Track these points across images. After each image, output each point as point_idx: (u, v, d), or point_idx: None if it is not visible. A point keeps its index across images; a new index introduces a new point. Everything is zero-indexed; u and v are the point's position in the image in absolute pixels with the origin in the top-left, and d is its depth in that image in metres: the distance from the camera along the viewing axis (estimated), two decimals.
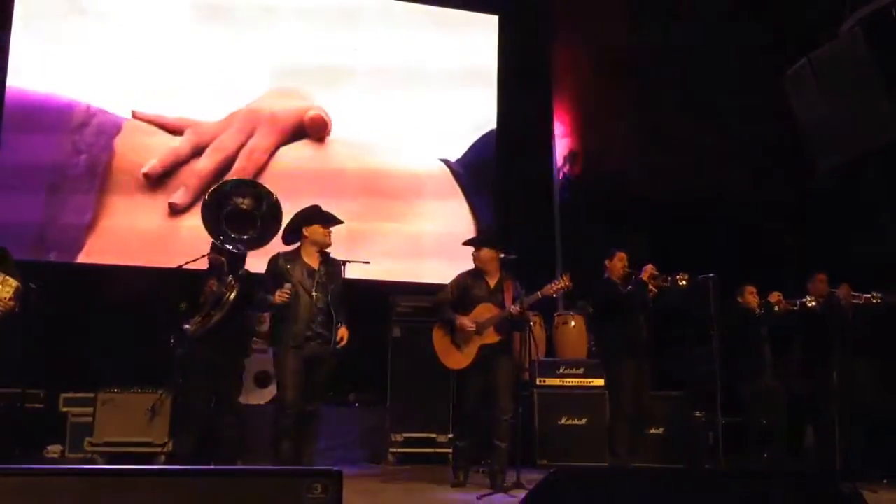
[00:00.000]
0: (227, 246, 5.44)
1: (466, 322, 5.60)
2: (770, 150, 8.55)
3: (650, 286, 6.02)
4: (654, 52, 8.97)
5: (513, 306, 5.52)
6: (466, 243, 5.93)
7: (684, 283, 5.99)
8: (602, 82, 9.17)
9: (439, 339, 5.75)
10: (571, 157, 9.31)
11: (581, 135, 9.31)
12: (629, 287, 6.11)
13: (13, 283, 5.08)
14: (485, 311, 5.62)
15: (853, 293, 6.60)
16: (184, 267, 5.99)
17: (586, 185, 9.12)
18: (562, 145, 9.33)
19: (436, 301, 5.87)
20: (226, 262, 5.56)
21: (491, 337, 5.58)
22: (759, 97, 8.39)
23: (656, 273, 6.04)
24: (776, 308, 6.60)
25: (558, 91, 9.46)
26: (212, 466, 5.26)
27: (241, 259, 5.66)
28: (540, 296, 5.59)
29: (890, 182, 7.37)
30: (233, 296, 5.48)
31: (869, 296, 6.42)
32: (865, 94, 7.32)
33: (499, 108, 8.99)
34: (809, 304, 6.57)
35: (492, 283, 5.73)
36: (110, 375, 6.60)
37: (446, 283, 5.91)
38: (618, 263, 6.25)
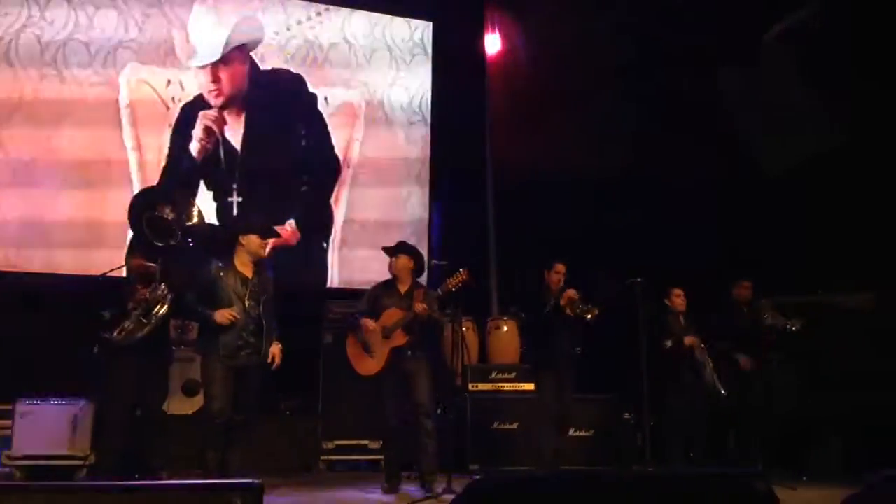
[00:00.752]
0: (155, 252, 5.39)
1: (369, 322, 5.63)
2: (720, 152, 8.75)
3: (567, 310, 6.13)
4: (595, 49, 9.09)
5: (418, 305, 5.53)
6: (385, 250, 5.96)
7: (590, 316, 6.11)
8: (535, 81, 9.25)
9: (351, 347, 5.79)
10: (504, 160, 9.35)
11: (515, 137, 9.37)
12: (547, 309, 6.22)
13: None
14: (392, 315, 5.66)
15: (772, 314, 6.77)
16: (108, 275, 5.86)
17: (521, 188, 9.18)
18: (494, 150, 9.37)
19: (352, 312, 5.94)
20: (157, 269, 5.47)
21: (399, 339, 5.60)
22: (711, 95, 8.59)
23: (575, 299, 6.14)
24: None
25: (492, 94, 9.51)
26: (132, 482, 5.15)
27: (168, 264, 5.56)
28: (440, 292, 5.63)
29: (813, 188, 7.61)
30: (165, 308, 5.42)
31: (787, 323, 6.56)
32: (794, 104, 7.61)
33: (433, 109, 9.01)
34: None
35: (402, 290, 5.77)
36: (28, 386, 6.39)
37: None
38: (554, 276, 6.33)
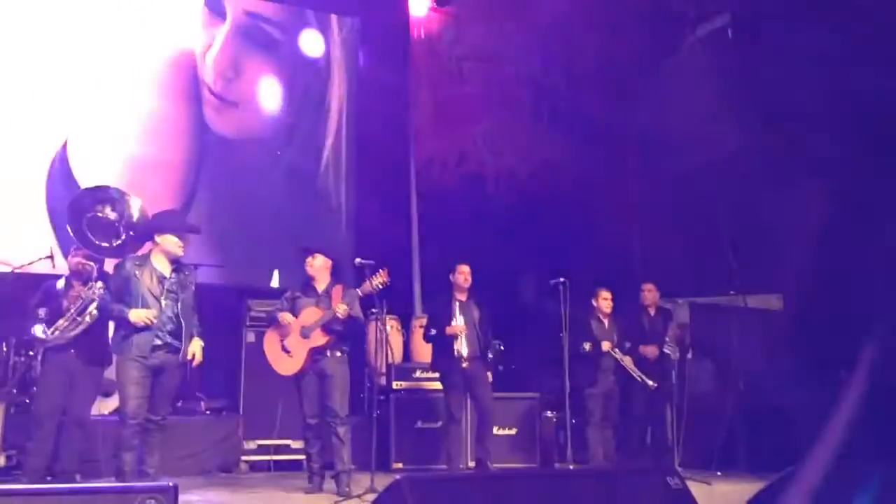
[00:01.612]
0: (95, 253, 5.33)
1: (286, 315, 5.59)
2: (625, 155, 8.98)
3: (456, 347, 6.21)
4: (511, 58, 9.23)
5: (338, 306, 5.50)
6: (301, 250, 5.92)
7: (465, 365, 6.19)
8: (459, 87, 9.34)
9: (270, 347, 5.72)
10: (428, 162, 9.40)
11: (438, 140, 9.43)
12: (433, 331, 6.28)
13: None
14: (311, 314, 5.61)
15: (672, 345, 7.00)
16: (16, 270, 5.68)
17: (445, 191, 9.24)
18: (418, 150, 9.40)
19: (269, 312, 5.87)
20: (94, 267, 5.44)
21: (318, 339, 5.55)
22: (613, 104, 8.83)
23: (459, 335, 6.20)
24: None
25: (414, 96, 9.54)
26: (43, 486, 5.01)
27: (103, 261, 5.54)
28: (360, 293, 5.61)
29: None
30: (97, 303, 5.31)
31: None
32: (705, 108, 7.87)
33: (356, 111, 8.99)
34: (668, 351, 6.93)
35: (320, 288, 5.73)
36: None
37: None
38: (459, 277, 6.36)
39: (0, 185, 7.27)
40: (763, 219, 7.23)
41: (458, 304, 6.32)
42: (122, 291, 5.08)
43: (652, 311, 7.15)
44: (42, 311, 5.54)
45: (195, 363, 5.20)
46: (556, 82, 9.33)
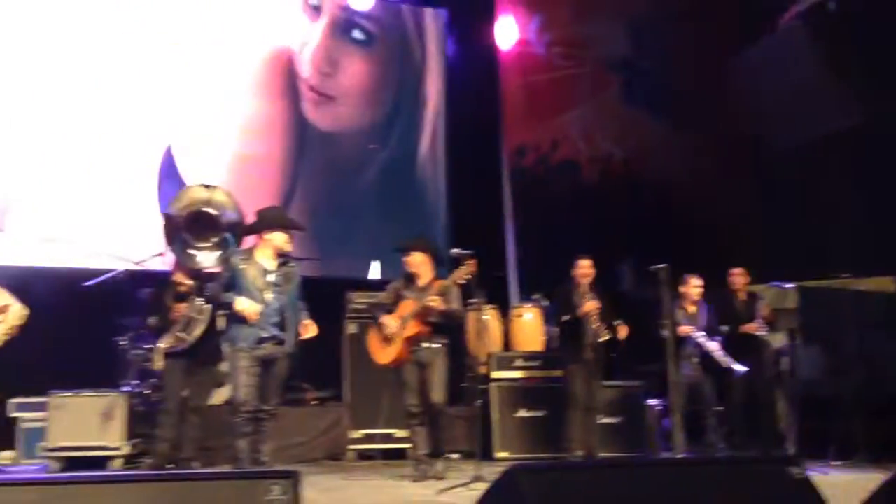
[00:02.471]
0: (186, 261, 5.63)
1: (386, 320, 5.69)
2: (718, 140, 8.74)
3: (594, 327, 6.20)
4: (601, 41, 9.10)
5: (431, 298, 5.58)
6: (397, 249, 6.00)
7: (602, 339, 6.19)
8: (550, 73, 9.25)
9: (371, 338, 5.88)
10: (519, 150, 9.36)
11: (529, 128, 9.37)
12: (567, 318, 6.31)
13: (26, 312, 5.38)
14: (408, 306, 5.71)
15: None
16: (129, 269, 5.94)
17: (537, 178, 9.19)
18: (510, 139, 9.37)
19: (373, 303, 6.06)
20: (194, 286, 5.69)
21: (412, 329, 5.64)
22: (706, 85, 8.60)
23: (593, 313, 6.20)
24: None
25: (505, 84, 9.50)
26: (173, 471, 5.25)
27: (205, 278, 5.75)
28: (449, 283, 5.66)
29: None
30: (203, 325, 5.63)
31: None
32: (810, 82, 7.59)
33: (447, 102, 9.01)
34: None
35: (421, 283, 5.81)
36: (58, 379, 6.48)
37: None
38: (579, 272, 6.38)
39: (118, 186, 7.61)
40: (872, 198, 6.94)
41: (581, 291, 6.35)
42: (229, 285, 5.25)
43: (742, 296, 7.00)
44: (153, 320, 5.87)
45: (305, 334, 5.29)
46: (650, 65, 9.13)
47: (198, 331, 5.64)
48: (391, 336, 5.69)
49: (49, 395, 6.23)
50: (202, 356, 5.79)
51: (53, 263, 7.28)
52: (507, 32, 9.45)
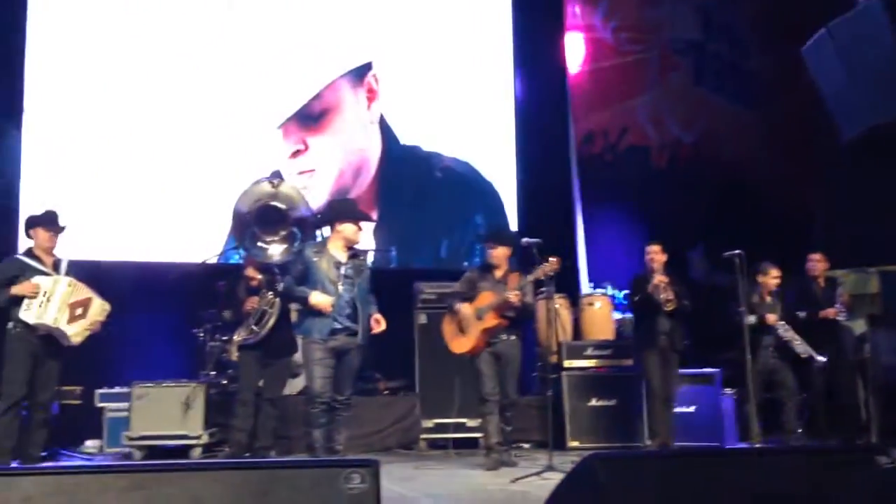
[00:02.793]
0: (257, 255, 5.72)
1: (464, 307, 5.76)
2: (791, 122, 8.50)
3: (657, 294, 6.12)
4: (669, 24, 8.94)
5: (511, 293, 5.62)
6: (482, 241, 6.08)
7: (669, 308, 6.11)
8: (617, 59, 9.12)
9: (446, 327, 5.96)
10: (588, 137, 9.26)
11: (598, 114, 9.26)
12: (638, 296, 6.27)
13: (108, 307, 5.49)
14: (487, 298, 5.78)
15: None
16: (206, 262, 6.08)
17: (606, 164, 9.09)
18: (578, 126, 9.27)
19: (449, 292, 6.14)
20: (264, 280, 5.82)
21: (490, 321, 5.70)
22: (778, 68, 8.37)
23: (660, 285, 6.11)
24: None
25: (572, 70, 9.40)
26: (249, 459, 5.38)
27: (274, 272, 5.88)
28: (532, 279, 5.69)
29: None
30: (274, 318, 5.77)
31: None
32: (887, 64, 7.28)
33: (514, 91, 8.98)
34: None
35: (498, 275, 5.89)
36: (141, 370, 6.70)
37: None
38: (648, 256, 6.33)
39: (195, 181, 7.83)
40: None
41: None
42: (301, 277, 5.33)
43: (821, 282, 6.86)
44: (227, 314, 6.06)
45: (376, 330, 5.37)
46: (719, 48, 8.92)
47: (270, 322, 5.76)
48: (466, 325, 5.73)
49: (132, 386, 6.44)
50: (275, 348, 5.91)
51: (134, 258, 7.51)
52: (574, 50, 9.35)
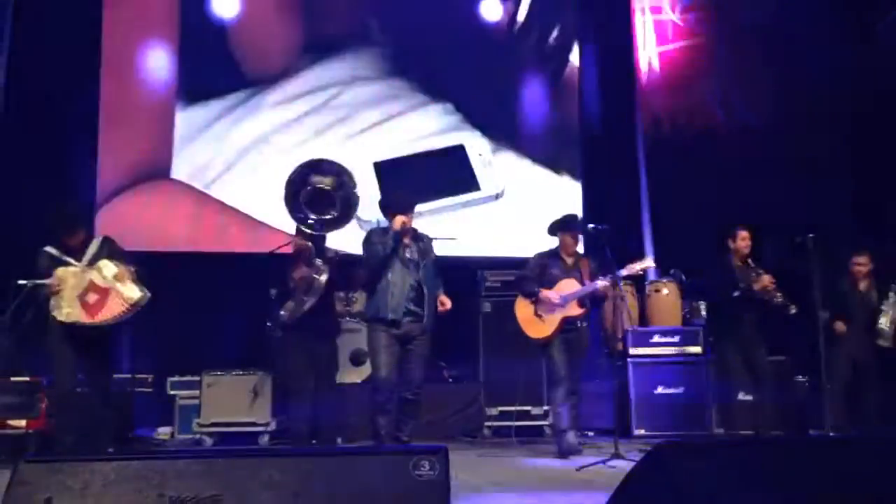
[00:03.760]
0: (307, 230, 5.56)
1: (552, 294, 5.71)
2: (862, 108, 8.20)
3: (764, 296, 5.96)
4: (739, 4, 8.71)
5: (601, 281, 5.60)
6: (551, 230, 6.00)
7: (792, 311, 5.92)
8: (685, 41, 8.93)
9: (522, 311, 5.89)
10: (655, 120, 9.10)
11: (664, 96, 9.09)
12: (736, 292, 6.01)
13: (134, 296, 5.11)
14: (568, 285, 5.76)
15: None
16: (276, 252, 6.14)
17: (674, 147, 8.92)
18: (645, 110, 9.12)
19: (519, 276, 6.06)
20: (313, 246, 5.68)
21: (574, 310, 5.72)
22: (849, 51, 8.07)
23: (771, 288, 5.94)
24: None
25: (637, 53, 9.25)
26: (317, 446, 5.43)
27: (323, 240, 5.79)
28: (625, 273, 5.65)
29: None
30: (323, 280, 5.61)
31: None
32: None
33: (579, 78, 8.88)
34: None
35: (569, 261, 5.88)
36: (212, 358, 6.85)
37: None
38: (741, 243, 6.14)
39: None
40: None
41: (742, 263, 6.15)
42: (369, 263, 5.35)
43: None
44: (273, 292, 5.95)
45: (443, 309, 5.38)
46: (792, 28, 8.63)
47: (322, 283, 5.60)
48: (546, 311, 5.71)
49: (203, 374, 6.58)
50: (318, 329, 5.74)
51: (207, 248, 7.67)
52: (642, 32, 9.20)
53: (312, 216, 5.59)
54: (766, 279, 5.96)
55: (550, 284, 5.79)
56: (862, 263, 6.46)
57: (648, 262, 5.57)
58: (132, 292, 5.10)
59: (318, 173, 5.68)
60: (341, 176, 5.65)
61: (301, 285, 5.64)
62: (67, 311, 5.08)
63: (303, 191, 5.59)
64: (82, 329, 5.11)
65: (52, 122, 7.38)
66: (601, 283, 5.62)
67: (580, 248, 6.26)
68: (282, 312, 5.67)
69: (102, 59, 7.83)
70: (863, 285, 6.46)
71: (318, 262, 5.66)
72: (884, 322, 6.35)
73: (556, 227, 6.00)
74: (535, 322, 5.79)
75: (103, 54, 7.84)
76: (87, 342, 5.21)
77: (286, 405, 6.01)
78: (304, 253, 5.68)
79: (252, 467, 2.71)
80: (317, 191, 5.61)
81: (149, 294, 5.17)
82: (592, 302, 5.85)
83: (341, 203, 5.60)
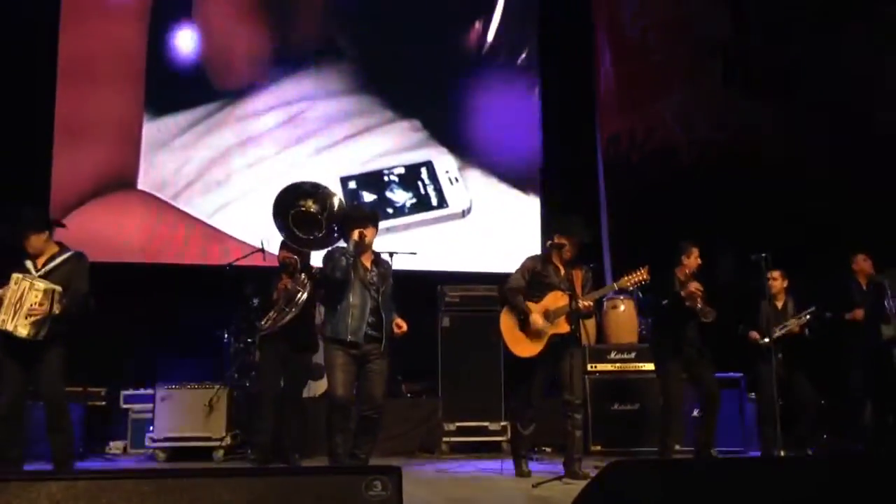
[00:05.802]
0: (297, 245, 5.62)
1: (539, 320, 5.44)
2: (829, 119, 8.32)
3: (687, 303, 5.81)
4: (700, 21, 8.83)
5: (584, 301, 5.39)
6: (560, 232, 5.69)
7: (707, 320, 5.82)
8: (644, 59, 9.05)
9: (507, 327, 5.61)
10: (614, 138, 9.19)
11: (624, 115, 9.19)
12: (664, 301, 5.93)
13: (41, 285, 4.90)
14: (556, 299, 5.47)
15: None
16: (234, 265, 6.10)
17: (632, 166, 9.02)
18: (605, 127, 9.22)
19: (507, 287, 5.68)
20: (298, 260, 5.85)
21: (562, 327, 5.43)
22: (815, 63, 8.19)
23: (698, 294, 5.77)
24: None
25: (598, 71, 9.36)
26: (271, 466, 5.37)
27: (308, 256, 5.93)
28: (617, 287, 5.61)
29: None
30: (305, 295, 5.80)
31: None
32: None
33: (541, 94, 8.96)
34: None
35: (562, 271, 5.58)
36: (166, 372, 6.74)
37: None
38: (692, 261, 5.99)
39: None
40: None
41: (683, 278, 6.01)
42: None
43: (863, 283, 6.80)
44: (255, 301, 6.08)
45: (399, 331, 5.25)
46: (753, 44, 8.76)
47: (303, 298, 5.77)
48: (541, 333, 5.47)
49: (157, 387, 6.48)
50: (298, 342, 5.89)
51: (158, 260, 7.58)
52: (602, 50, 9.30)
53: (306, 236, 5.62)
54: (693, 285, 5.76)
55: (544, 292, 5.52)
56: (775, 278, 6.50)
57: (643, 276, 5.38)
58: (22, 328, 4.88)
59: (306, 196, 5.71)
60: (327, 200, 5.69)
61: (283, 297, 5.82)
62: (2, 318, 4.90)
63: (291, 211, 5.62)
64: (19, 340, 4.90)
65: (6, 133, 7.26)
66: (583, 303, 5.35)
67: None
68: (262, 322, 5.87)
69: (58, 69, 7.73)
70: (779, 300, 6.55)
71: (302, 276, 5.85)
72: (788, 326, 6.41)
73: (556, 229, 5.74)
74: (522, 340, 5.52)
75: (59, 64, 7.74)
76: (31, 353, 4.98)
77: (252, 414, 6.04)
78: (289, 266, 5.87)
79: (202, 487, 2.66)
80: (302, 213, 5.64)
81: (34, 337, 4.91)
82: (579, 316, 5.51)
83: (326, 225, 5.63)
